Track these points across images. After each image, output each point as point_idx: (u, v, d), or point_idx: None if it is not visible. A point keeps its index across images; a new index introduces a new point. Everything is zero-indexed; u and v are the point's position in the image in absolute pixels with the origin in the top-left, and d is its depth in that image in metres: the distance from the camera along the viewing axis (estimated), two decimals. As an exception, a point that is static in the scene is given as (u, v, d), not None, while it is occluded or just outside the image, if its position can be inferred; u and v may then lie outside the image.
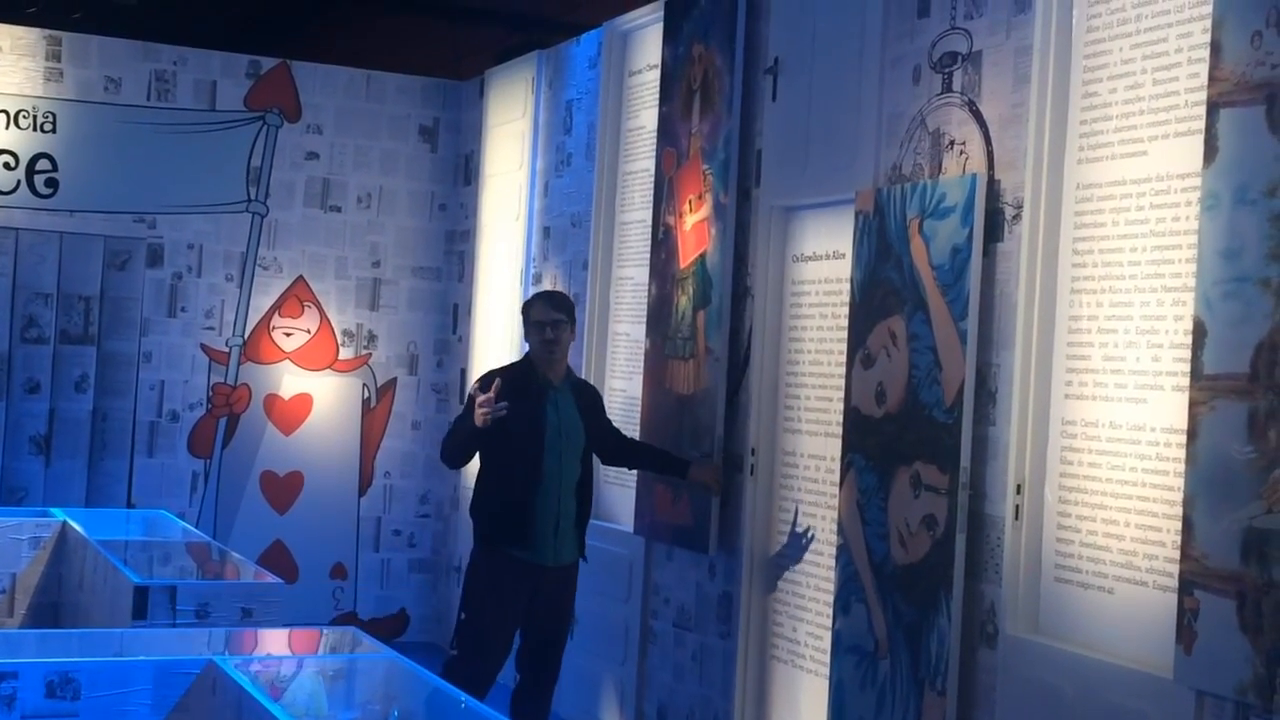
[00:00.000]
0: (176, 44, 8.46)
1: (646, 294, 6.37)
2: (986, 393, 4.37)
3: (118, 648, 4.13)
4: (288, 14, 10.71)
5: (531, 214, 7.73)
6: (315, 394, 8.65)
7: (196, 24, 9.93)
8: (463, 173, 8.83)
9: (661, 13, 6.44)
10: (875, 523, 4.72)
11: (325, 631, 4.73)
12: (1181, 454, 3.64)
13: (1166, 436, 3.80)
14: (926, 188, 4.61)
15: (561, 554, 5.59)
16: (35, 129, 8.09)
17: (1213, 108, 3.56)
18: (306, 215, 8.66)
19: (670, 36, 6.33)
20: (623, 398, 6.67)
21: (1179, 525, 3.62)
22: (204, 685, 3.68)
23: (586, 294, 6.93)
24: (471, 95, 8.75)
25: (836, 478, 5.02)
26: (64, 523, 6.00)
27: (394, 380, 8.84)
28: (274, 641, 4.34)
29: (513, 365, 5.88)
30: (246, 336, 8.53)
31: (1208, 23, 3.65)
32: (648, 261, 6.39)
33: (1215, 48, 3.57)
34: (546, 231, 7.58)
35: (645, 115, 6.68)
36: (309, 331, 8.66)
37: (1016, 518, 4.21)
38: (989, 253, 4.40)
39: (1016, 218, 4.31)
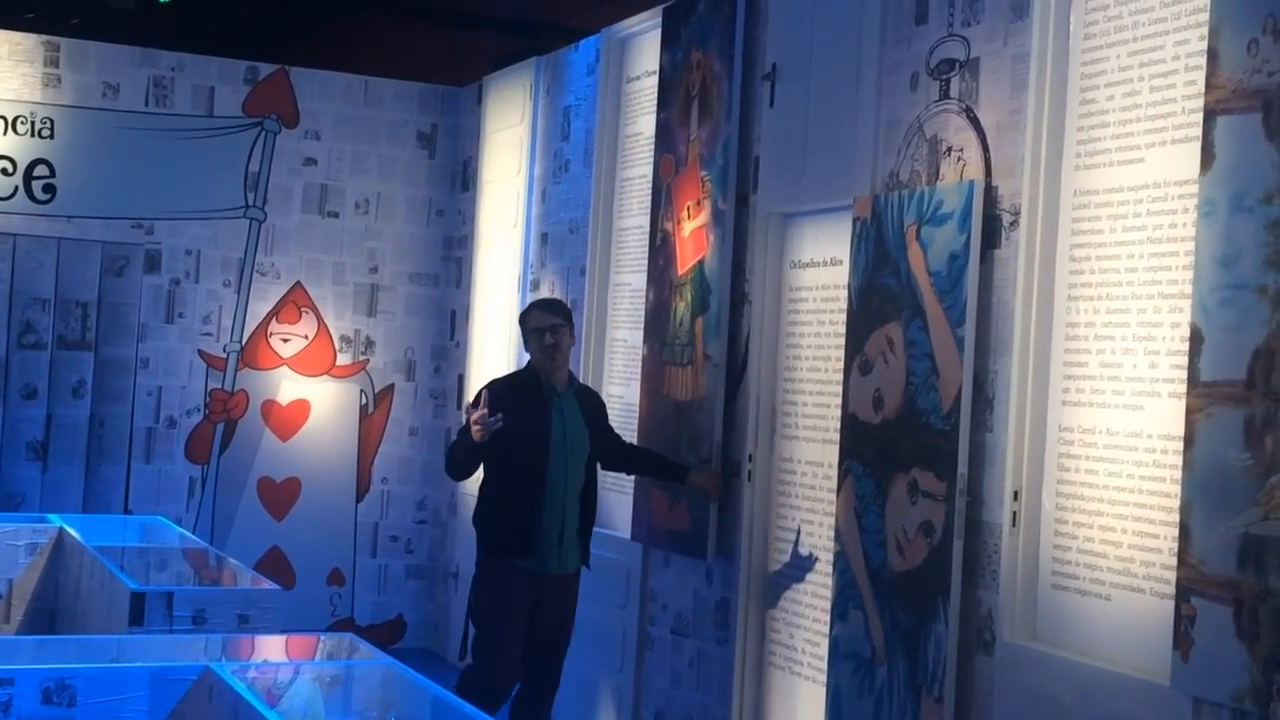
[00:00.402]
0: (174, 50, 8.46)
1: (644, 300, 6.37)
2: (984, 399, 4.37)
3: (114, 654, 4.12)
4: (286, 20, 10.71)
5: (529, 220, 7.73)
6: (313, 400, 8.65)
7: (194, 30, 9.93)
8: (460, 179, 8.83)
9: (660, 19, 6.45)
10: (873, 529, 4.72)
11: (322, 638, 4.73)
12: (1178, 461, 3.64)
13: (1164, 443, 3.80)
14: (924, 194, 4.61)
15: (565, 562, 5.58)
16: (33, 135, 8.09)
17: (1209, 115, 3.56)
18: (304, 221, 8.66)
19: (668, 43, 6.33)
20: (620, 404, 6.66)
21: (1176, 532, 3.62)
22: (201, 691, 3.68)
23: (584, 300, 6.94)
24: (469, 101, 8.76)
25: (834, 484, 5.02)
26: (61, 528, 5.99)
27: (391, 386, 8.84)
28: (271, 647, 4.34)
29: (515, 374, 5.89)
30: (244, 342, 8.53)
31: (1204, 30, 3.65)
32: (646, 268, 6.39)
33: (1212, 55, 3.58)
34: (544, 238, 7.58)
35: (643, 121, 6.69)
36: (307, 337, 8.66)
37: (1014, 524, 4.21)
38: (986, 259, 4.40)
39: (1014, 224, 4.32)
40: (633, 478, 6.26)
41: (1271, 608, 3.33)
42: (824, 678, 5.00)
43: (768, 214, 5.60)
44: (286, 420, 8.60)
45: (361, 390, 8.78)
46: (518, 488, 5.48)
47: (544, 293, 7.39)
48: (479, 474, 5.73)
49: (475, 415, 5.31)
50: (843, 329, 5.01)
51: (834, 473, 5.02)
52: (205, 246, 8.45)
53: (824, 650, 5.03)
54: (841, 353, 5.00)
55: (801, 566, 5.35)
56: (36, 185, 8.07)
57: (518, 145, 7.94)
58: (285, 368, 8.61)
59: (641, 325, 6.40)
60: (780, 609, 5.47)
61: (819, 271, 5.36)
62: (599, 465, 5.93)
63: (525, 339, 5.73)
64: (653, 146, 6.43)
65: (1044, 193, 4.21)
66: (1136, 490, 3.88)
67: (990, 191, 4.41)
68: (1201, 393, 3.53)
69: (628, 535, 6.36)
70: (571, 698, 6.55)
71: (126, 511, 8.09)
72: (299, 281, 8.65)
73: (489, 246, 8.22)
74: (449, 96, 8.96)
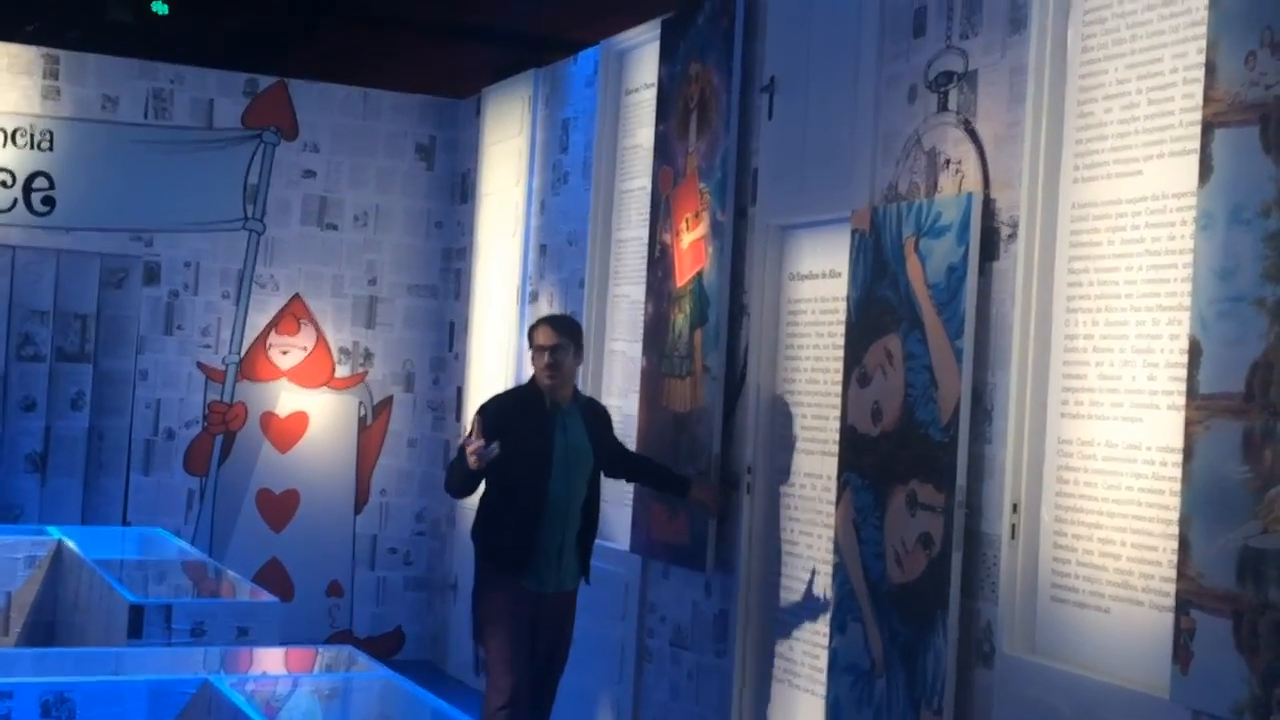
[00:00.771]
0: (174, 62, 8.47)
1: (643, 312, 6.38)
2: (982, 411, 4.37)
3: (113, 667, 4.13)
4: (285, 32, 10.71)
5: (528, 232, 7.74)
6: (311, 412, 8.65)
7: (194, 42, 9.93)
8: (459, 191, 8.84)
9: (658, 31, 6.46)
10: (871, 541, 4.72)
11: (321, 650, 4.73)
12: (1177, 473, 3.64)
13: (1162, 456, 3.80)
14: (922, 206, 4.62)
15: (564, 580, 5.54)
16: (32, 147, 8.09)
17: (1207, 128, 3.57)
18: (303, 233, 8.67)
19: (667, 55, 6.34)
20: (619, 416, 6.66)
21: (1175, 545, 3.62)
22: (199, 705, 3.68)
23: (583, 312, 6.93)
24: (468, 113, 8.77)
25: (833, 496, 5.02)
26: (60, 541, 5.99)
27: (390, 398, 8.84)
28: (270, 660, 4.34)
29: (519, 389, 5.84)
30: (243, 354, 8.53)
31: (1202, 43, 3.66)
32: (644, 280, 6.40)
33: (1210, 68, 3.58)
34: (543, 249, 7.59)
35: (642, 133, 6.69)
36: (305, 349, 8.66)
37: (1013, 536, 4.21)
38: (984, 271, 4.41)
39: (1012, 236, 4.32)
40: (632, 489, 6.25)
41: (1271, 620, 3.33)
42: (823, 690, 4.99)
43: (766, 226, 5.60)
44: (285, 432, 8.60)
45: (360, 402, 8.78)
46: (518, 507, 5.43)
47: (542, 305, 7.40)
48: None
49: (471, 446, 5.26)
50: (841, 341, 5.01)
51: (833, 485, 5.02)
52: (204, 258, 8.45)
53: (823, 663, 5.03)
54: (840, 365, 5.01)
55: (800, 579, 5.35)
56: (36, 197, 8.08)
57: (516, 157, 7.95)
58: (284, 380, 8.61)
59: (640, 337, 6.40)
60: (779, 621, 5.47)
61: (817, 283, 5.36)
62: (601, 472, 5.88)
63: (531, 353, 5.66)
64: (651, 158, 6.43)
65: (1042, 205, 4.22)
66: (1135, 502, 3.88)
67: (988, 204, 4.42)
68: (1200, 405, 3.53)
69: (627, 547, 6.36)
70: (570, 710, 6.54)
71: (125, 524, 8.08)
72: (298, 293, 8.66)
73: (488, 258, 8.23)
74: (448, 108, 8.97)
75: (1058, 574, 4.12)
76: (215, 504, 8.47)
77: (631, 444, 6.28)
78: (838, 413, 4.99)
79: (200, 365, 8.45)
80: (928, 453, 4.48)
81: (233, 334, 8.52)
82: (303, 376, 8.65)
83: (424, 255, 8.91)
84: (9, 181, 8.04)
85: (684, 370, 5.98)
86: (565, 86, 7.52)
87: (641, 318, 6.40)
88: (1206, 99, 3.59)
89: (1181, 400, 3.64)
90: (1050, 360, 4.20)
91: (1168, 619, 3.65)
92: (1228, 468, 3.44)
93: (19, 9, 9.11)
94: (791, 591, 5.40)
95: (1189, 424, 3.57)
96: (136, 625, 4.45)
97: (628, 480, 6.11)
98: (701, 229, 5.95)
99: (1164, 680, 3.62)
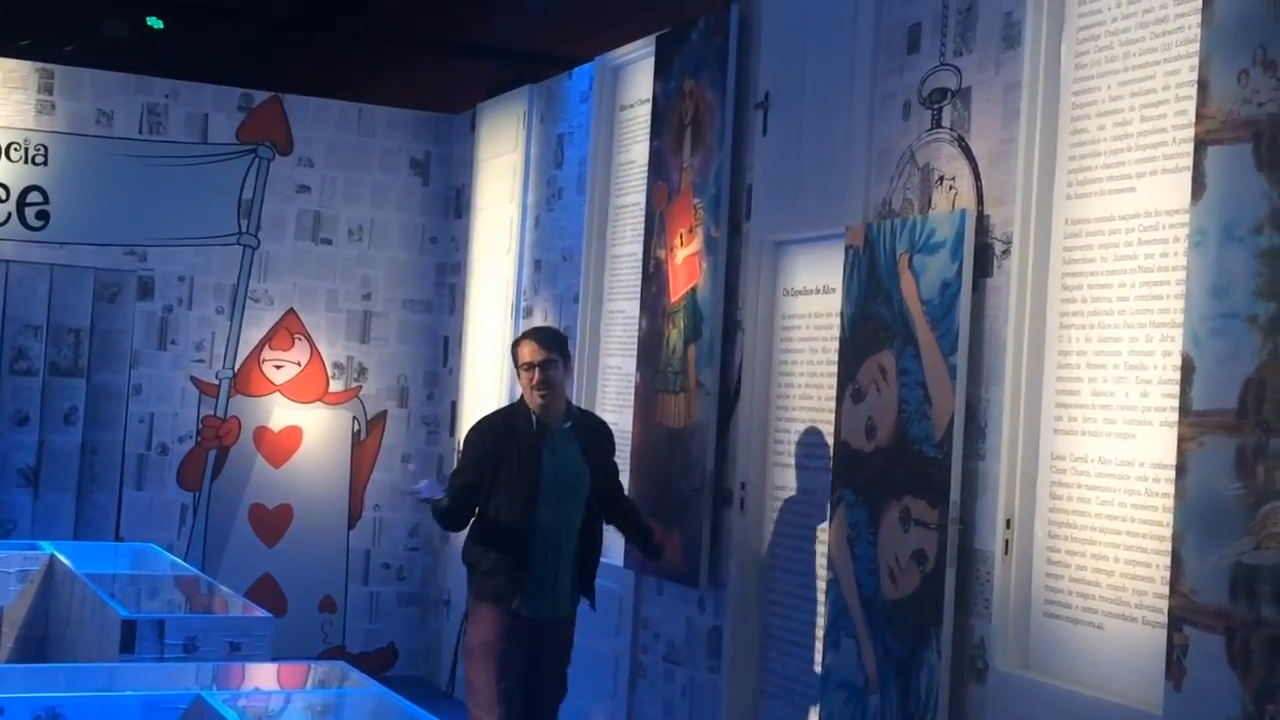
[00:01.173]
0: (168, 77, 8.48)
1: (637, 328, 6.38)
2: (976, 427, 4.38)
3: (105, 682, 4.11)
4: (280, 48, 10.73)
5: (522, 247, 7.74)
6: (305, 426, 8.64)
7: (189, 57, 9.95)
8: (454, 206, 8.85)
9: (653, 48, 6.47)
10: (865, 557, 4.72)
11: (313, 666, 4.72)
12: (1170, 489, 3.64)
13: (1155, 472, 3.81)
14: (916, 223, 4.63)
15: (559, 606, 5.27)
16: (27, 161, 8.10)
17: (1200, 145, 3.58)
18: (297, 248, 8.67)
19: (661, 71, 6.36)
20: (614, 432, 6.65)
21: (1168, 561, 3.62)
22: (191, 720, 3.67)
23: (577, 327, 6.94)
24: (463, 129, 8.78)
25: (826, 512, 5.02)
26: (52, 556, 5.98)
27: (384, 413, 8.83)
28: (262, 676, 4.33)
29: (507, 409, 5.54)
30: (236, 369, 8.52)
31: (1195, 61, 3.67)
32: (638, 295, 6.40)
33: (1202, 86, 3.59)
34: (537, 265, 7.59)
35: (636, 149, 6.70)
36: (299, 364, 8.66)
37: (1006, 553, 4.21)
38: (978, 288, 4.41)
39: (1006, 253, 4.33)
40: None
41: (1263, 637, 3.33)
42: (817, 706, 4.99)
43: (760, 242, 5.61)
44: (279, 447, 8.59)
45: (354, 417, 8.77)
46: (505, 533, 5.14)
47: (537, 320, 7.40)
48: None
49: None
50: (835, 357, 5.01)
51: (826, 501, 5.02)
52: (198, 273, 8.45)
53: (816, 679, 5.02)
54: (834, 381, 5.01)
55: (794, 595, 5.34)
56: (30, 212, 8.08)
57: (511, 172, 7.96)
58: (278, 394, 8.60)
59: (634, 353, 6.40)
60: (773, 637, 5.46)
61: (811, 299, 5.37)
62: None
63: (516, 371, 5.39)
64: (646, 174, 6.44)
65: (1035, 221, 4.22)
66: (1128, 519, 3.89)
67: (982, 220, 4.43)
68: (1193, 422, 3.54)
69: (620, 563, 6.35)
70: (564, 726, 6.53)
71: (118, 538, 8.07)
72: (292, 308, 8.65)
73: (482, 273, 8.23)
74: (442, 124, 8.98)
75: (1051, 590, 4.12)
76: (208, 519, 8.46)
77: (626, 460, 6.27)
78: (831, 429, 4.99)
79: (194, 380, 8.44)
80: (921, 469, 4.49)
81: (226, 349, 8.52)
82: (296, 391, 8.64)
83: (418, 270, 8.91)
84: (3, 196, 8.04)
85: (678, 386, 5.98)
86: (560, 102, 7.53)
87: (635, 333, 6.41)
88: (1199, 116, 3.59)
89: (1174, 417, 3.64)
90: (1044, 376, 4.21)
91: (1161, 635, 3.65)
92: (1220, 484, 3.44)
93: (14, 24, 9.13)
94: (785, 607, 5.40)
95: (1182, 440, 3.57)
96: (129, 640, 4.44)
97: (607, 523, 5.53)
98: (696, 244, 5.95)
99: (1157, 697, 3.62)
